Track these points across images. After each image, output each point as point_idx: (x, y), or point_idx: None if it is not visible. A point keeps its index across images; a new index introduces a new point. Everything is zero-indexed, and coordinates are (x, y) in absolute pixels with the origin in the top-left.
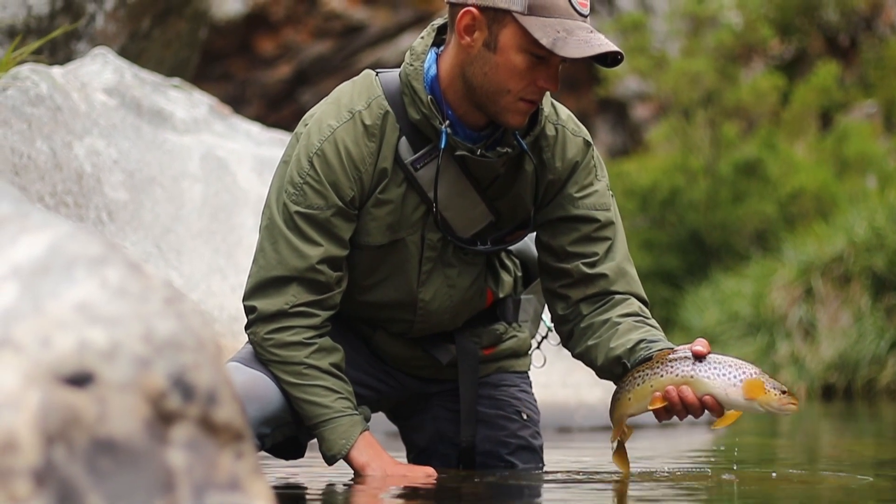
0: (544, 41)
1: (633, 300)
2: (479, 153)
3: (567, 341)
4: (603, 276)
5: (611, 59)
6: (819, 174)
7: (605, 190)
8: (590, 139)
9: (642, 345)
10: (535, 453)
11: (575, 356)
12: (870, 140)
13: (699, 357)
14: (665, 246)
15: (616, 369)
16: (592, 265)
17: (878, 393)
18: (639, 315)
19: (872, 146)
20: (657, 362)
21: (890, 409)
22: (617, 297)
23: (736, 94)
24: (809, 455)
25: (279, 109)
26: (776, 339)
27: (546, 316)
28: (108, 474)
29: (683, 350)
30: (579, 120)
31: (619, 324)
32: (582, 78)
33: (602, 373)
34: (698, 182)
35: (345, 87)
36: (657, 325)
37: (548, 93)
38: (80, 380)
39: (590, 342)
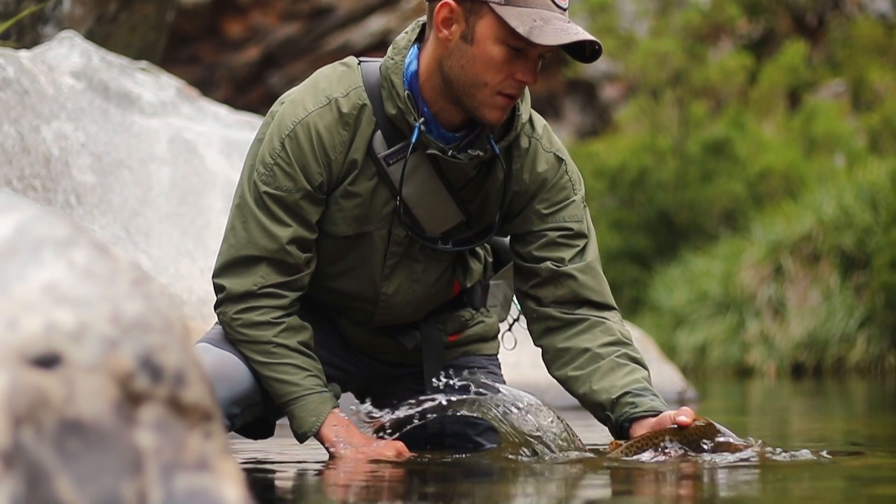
0: (520, 29)
1: (610, 323)
2: (449, 154)
3: (539, 343)
4: (571, 276)
5: (589, 52)
6: (787, 153)
7: (579, 202)
8: (563, 155)
9: (627, 398)
10: None
11: (551, 375)
12: (838, 119)
13: (683, 427)
14: (634, 226)
15: (599, 414)
16: (560, 265)
17: (847, 371)
18: (620, 344)
19: (840, 125)
20: (630, 448)
21: (859, 387)
22: (592, 318)
23: (704, 73)
24: (779, 433)
25: (247, 92)
26: (745, 318)
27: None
28: (76, 455)
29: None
30: (548, 100)
31: (601, 357)
32: (550, 59)
33: (582, 404)
34: (667, 162)
35: (325, 71)
36: (636, 352)
37: (528, 103)
38: (47, 361)
39: (570, 372)
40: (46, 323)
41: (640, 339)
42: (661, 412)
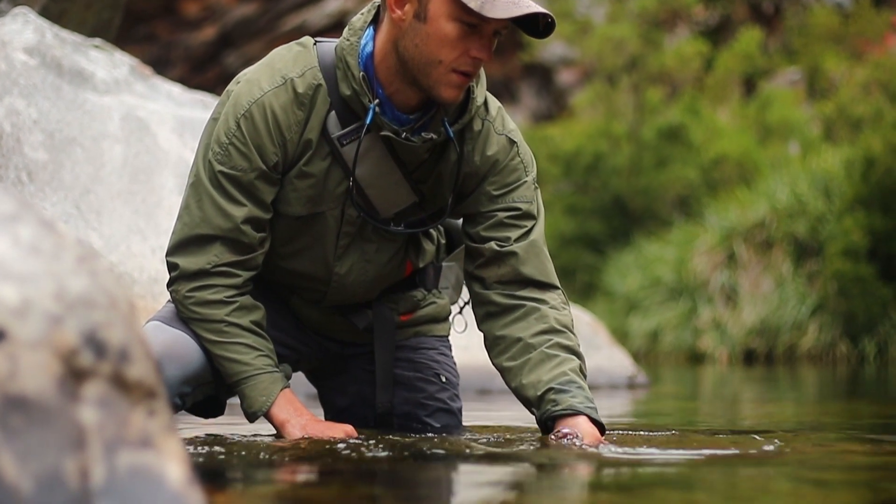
0: (472, 4)
1: (547, 308)
2: (403, 136)
3: (480, 328)
4: (513, 253)
5: (542, 26)
6: (742, 140)
7: (530, 184)
8: (515, 137)
9: (550, 395)
10: (454, 416)
11: (491, 362)
12: (793, 107)
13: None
14: (588, 211)
15: (528, 408)
16: (505, 245)
17: (798, 358)
18: (552, 332)
19: (795, 113)
20: None
21: (811, 374)
22: (529, 305)
23: (660, 59)
24: (729, 418)
25: (203, 72)
26: (698, 305)
27: None
28: (19, 431)
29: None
30: (504, 84)
31: (532, 348)
32: (507, 43)
33: (516, 397)
34: (622, 147)
35: (281, 51)
36: (569, 339)
37: (484, 86)
38: None
39: (504, 363)
40: None
41: (592, 324)
42: (577, 411)
